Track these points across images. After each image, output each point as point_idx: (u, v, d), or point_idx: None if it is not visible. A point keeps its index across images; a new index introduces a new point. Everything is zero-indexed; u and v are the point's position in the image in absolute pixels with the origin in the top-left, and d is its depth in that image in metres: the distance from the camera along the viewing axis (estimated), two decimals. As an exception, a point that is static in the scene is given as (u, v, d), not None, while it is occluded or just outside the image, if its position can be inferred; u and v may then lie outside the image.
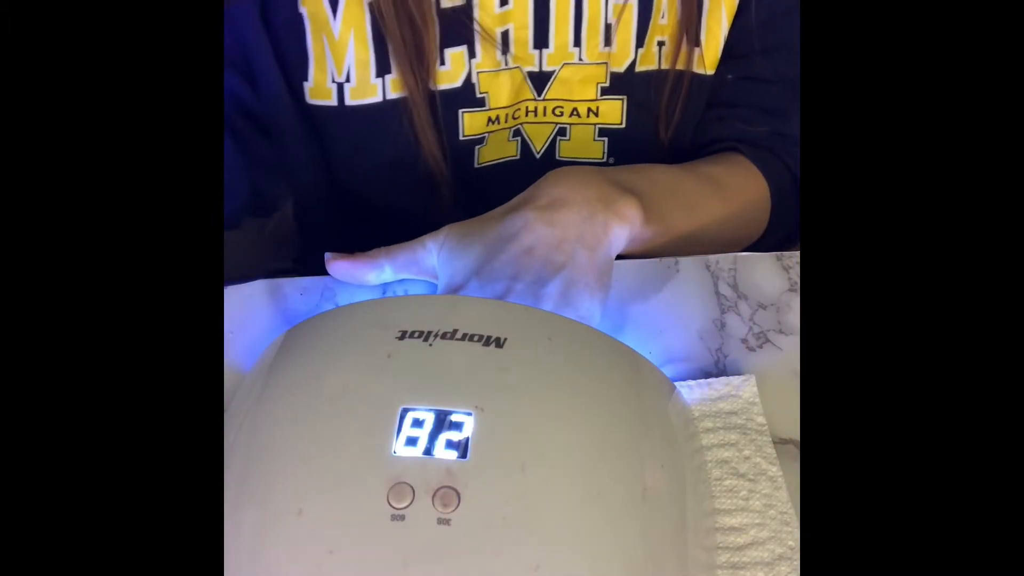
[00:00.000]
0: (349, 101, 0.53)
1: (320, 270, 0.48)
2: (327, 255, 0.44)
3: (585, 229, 0.41)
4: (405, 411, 0.30)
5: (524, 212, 0.42)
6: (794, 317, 0.45)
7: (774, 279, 0.47)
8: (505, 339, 0.33)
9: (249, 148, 0.56)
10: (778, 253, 0.48)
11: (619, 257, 0.47)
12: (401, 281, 0.47)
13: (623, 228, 0.43)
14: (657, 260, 0.48)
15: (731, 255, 0.48)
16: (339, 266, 0.44)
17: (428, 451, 0.29)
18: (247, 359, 0.43)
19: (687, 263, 0.48)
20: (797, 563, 0.35)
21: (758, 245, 0.58)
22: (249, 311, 0.46)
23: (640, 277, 0.47)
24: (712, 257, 0.48)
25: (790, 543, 0.36)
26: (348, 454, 0.30)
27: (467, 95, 0.54)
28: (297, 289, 0.47)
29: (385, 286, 0.47)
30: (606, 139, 0.57)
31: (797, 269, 0.47)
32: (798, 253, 0.46)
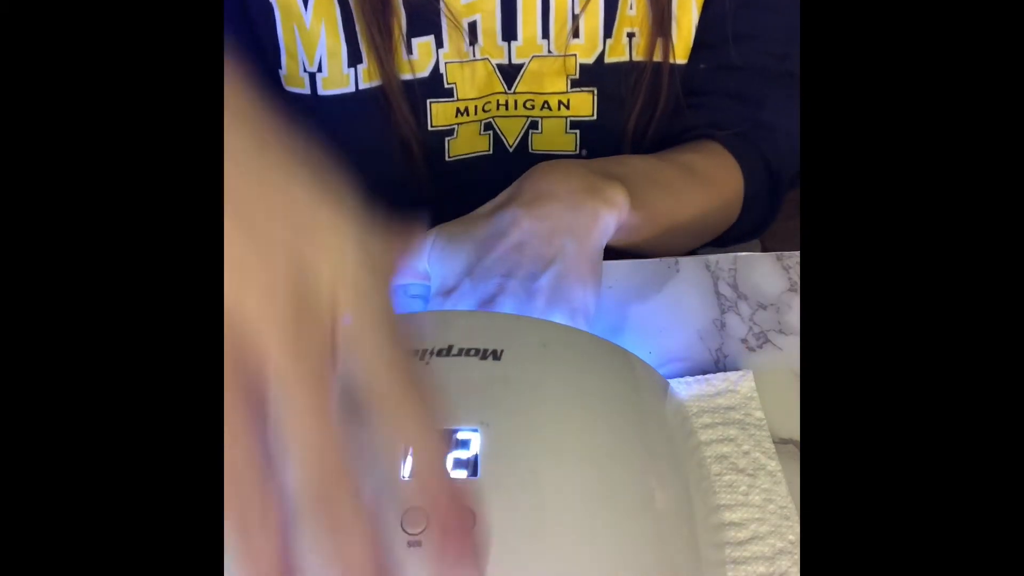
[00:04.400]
0: (322, 91, 0.53)
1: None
2: None
3: (573, 220, 0.41)
4: None
5: (511, 208, 0.42)
6: (794, 317, 0.45)
7: (774, 279, 0.47)
8: (502, 351, 0.32)
9: None
10: (778, 253, 0.48)
11: (615, 256, 0.47)
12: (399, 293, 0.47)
13: (611, 214, 0.43)
14: (657, 260, 0.48)
15: (731, 255, 0.48)
16: None
17: None
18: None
19: (687, 263, 0.48)
20: (797, 557, 0.35)
21: (731, 232, 0.59)
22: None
23: (640, 277, 0.47)
24: (712, 257, 0.48)
25: (790, 537, 0.36)
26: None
27: (435, 85, 0.54)
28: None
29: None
30: (577, 131, 0.57)
31: (797, 269, 0.47)
32: (798, 253, 0.47)
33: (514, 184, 0.44)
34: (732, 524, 0.36)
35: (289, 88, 0.55)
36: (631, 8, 0.53)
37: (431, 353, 0.32)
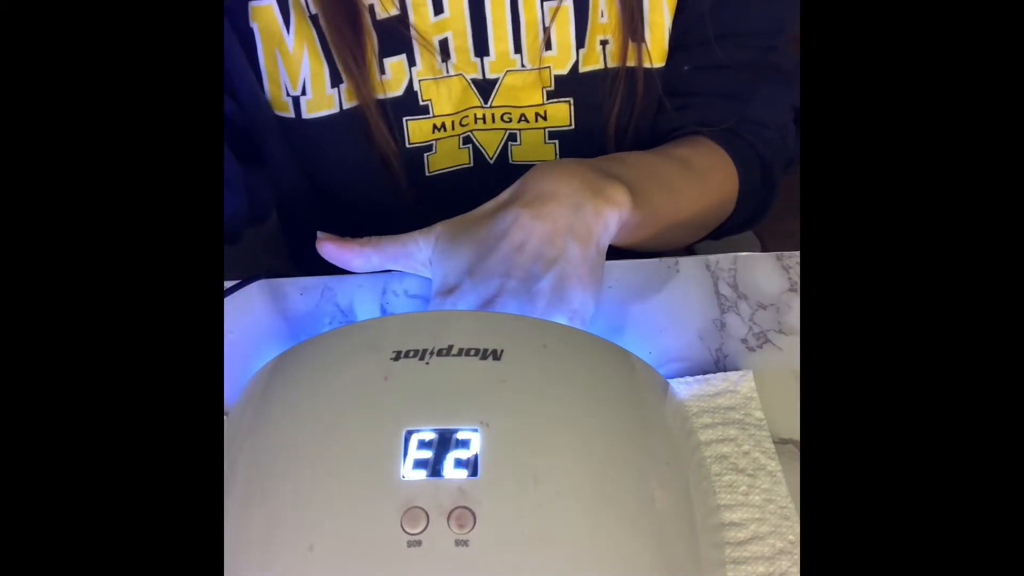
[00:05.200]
0: (306, 114, 0.54)
1: (310, 269, 0.48)
2: (319, 234, 0.44)
3: (575, 220, 0.41)
4: (410, 433, 0.30)
5: (513, 208, 0.42)
6: (794, 317, 0.45)
7: (774, 279, 0.47)
8: (502, 351, 0.32)
9: (244, 162, 0.57)
10: (778, 253, 0.48)
11: (613, 254, 0.47)
12: (398, 294, 0.47)
13: (614, 214, 0.43)
14: (657, 260, 0.48)
15: (731, 255, 0.48)
16: (327, 248, 0.44)
17: (437, 472, 0.29)
18: (247, 359, 0.43)
19: (687, 263, 0.48)
20: (797, 557, 0.35)
21: (726, 225, 0.58)
22: (249, 311, 0.46)
23: (640, 277, 0.47)
24: (712, 257, 0.48)
25: (790, 537, 0.36)
26: (356, 483, 0.29)
27: (410, 103, 0.54)
28: (297, 289, 0.48)
29: (383, 303, 0.47)
30: (557, 141, 0.57)
31: (797, 269, 0.47)
32: (798, 253, 0.47)
33: (516, 183, 0.44)
34: (732, 524, 0.36)
35: (275, 112, 0.55)
36: (603, 16, 0.53)
37: (431, 353, 0.32)
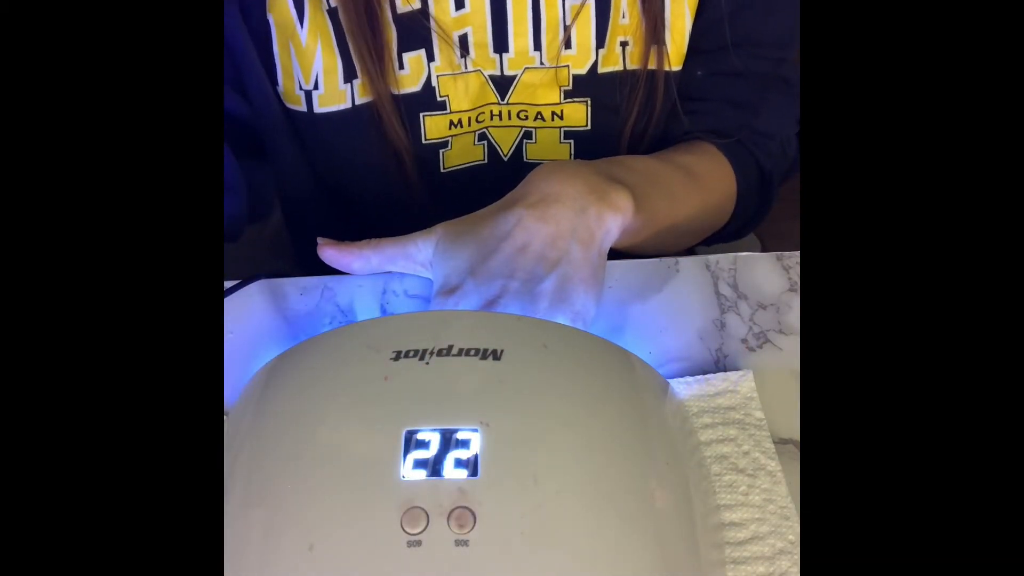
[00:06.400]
0: (318, 108, 0.54)
1: (313, 269, 0.48)
2: (319, 240, 0.44)
3: (578, 223, 0.41)
4: (410, 433, 0.30)
5: (516, 209, 0.42)
6: (794, 317, 0.45)
7: (774, 279, 0.47)
8: (502, 351, 0.32)
9: (244, 159, 0.57)
10: (778, 253, 0.48)
11: (612, 256, 0.47)
12: (398, 294, 0.47)
13: (616, 219, 0.43)
14: (657, 260, 0.48)
15: (731, 255, 0.48)
16: (327, 253, 0.44)
17: (437, 472, 0.29)
18: (247, 359, 0.43)
19: (687, 263, 0.48)
20: (797, 557, 0.35)
21: (721, 232, 0.59)
22: (249, 311, 0.46)
23: (640, 277, 0.47)
24: (712, 257, 0.48)
25: (790, 537, 0.36)
26: (356, 483, 0.29)
27: (428, 98, 0.54)
28: (297, 289, 0.47)
29: (383, 303, 0.47)
30: (572, 141, 0.57)
31: (797, 269, 0.47)
32: (798, 253, 0.47)
33: (520, 185, 0.44)
34: (732, 524, 0.36)
35: (287, 105, 0.55)
36: (624, 17, 0.53)
37: (431, 353, 0.32)
